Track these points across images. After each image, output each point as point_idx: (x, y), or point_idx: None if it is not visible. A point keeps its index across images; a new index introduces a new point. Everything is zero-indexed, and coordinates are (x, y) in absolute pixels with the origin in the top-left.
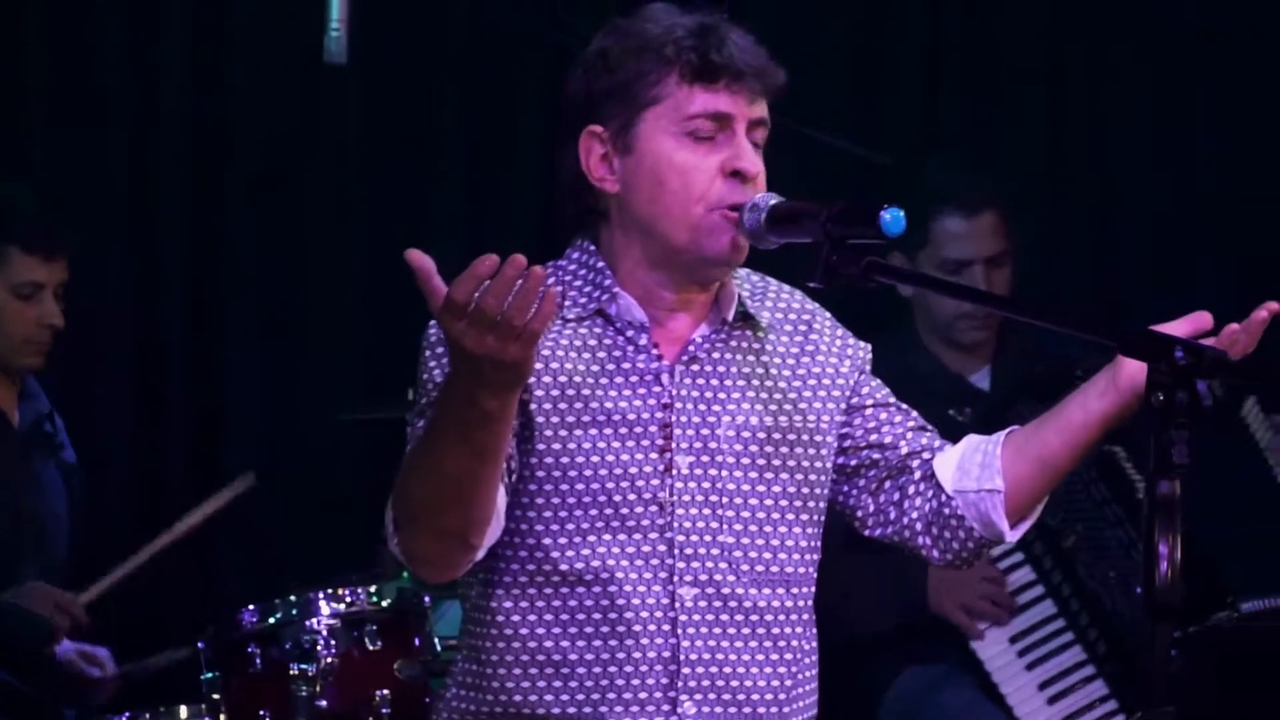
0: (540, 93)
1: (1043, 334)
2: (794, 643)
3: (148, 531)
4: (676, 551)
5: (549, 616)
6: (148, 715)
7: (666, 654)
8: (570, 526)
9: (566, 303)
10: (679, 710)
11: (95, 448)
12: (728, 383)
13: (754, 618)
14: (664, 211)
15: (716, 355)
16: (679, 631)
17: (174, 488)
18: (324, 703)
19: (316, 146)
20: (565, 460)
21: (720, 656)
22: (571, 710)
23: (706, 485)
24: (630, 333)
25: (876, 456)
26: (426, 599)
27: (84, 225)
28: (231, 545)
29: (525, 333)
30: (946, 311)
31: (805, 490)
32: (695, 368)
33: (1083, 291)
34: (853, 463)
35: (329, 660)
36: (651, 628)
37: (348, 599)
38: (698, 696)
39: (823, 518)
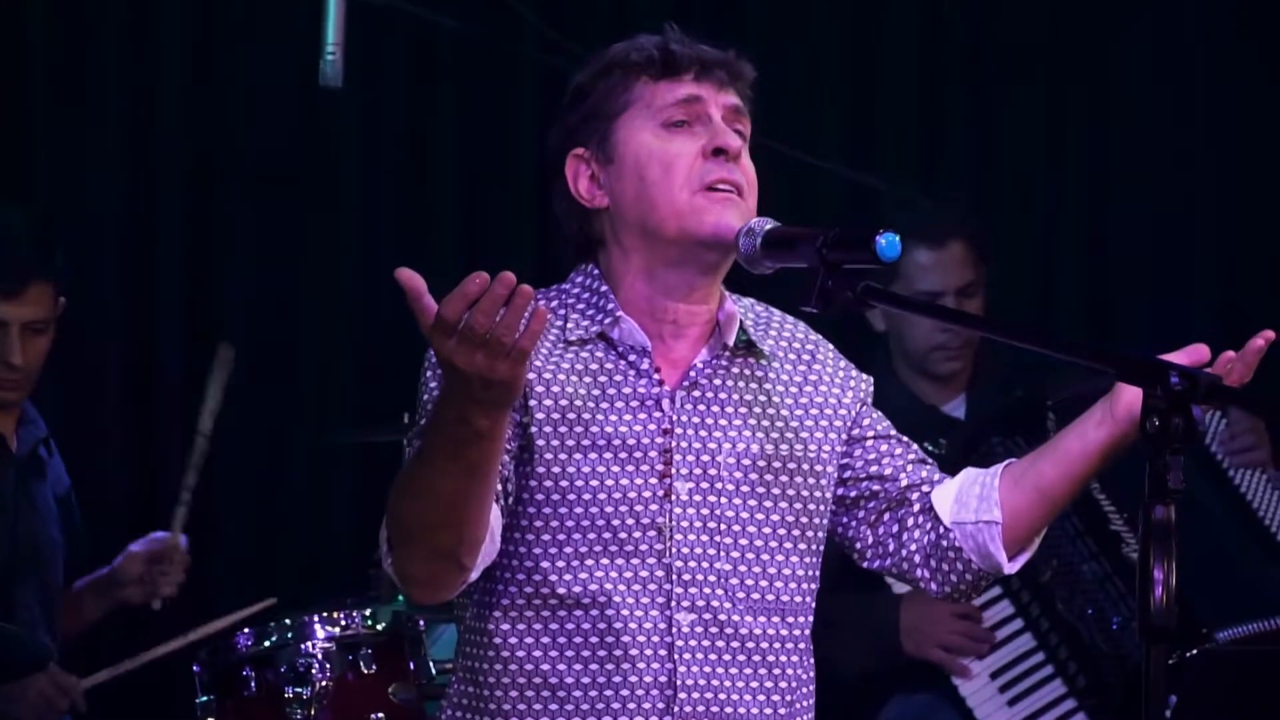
0: (534, 115)
1: (1015, 363)
2: (789, 671)
3: None
4: (675, 577)
5: (546, 639)
6: None
7: (663, 679)
8: (569, 550)
9: (569, 325)
10: None
11: (90, 473)
12: (729, 409)
13: (750, 645)
14: (651, 204)
15: (718, 381)
16: (675, 657)
17: (169, 513)
18: None
19: (312, 171)
20: (565, 483)
21: (716, 683)
22: None
23: (705, 512)
24: (632, 357)
25: (876, 488)
26: (421, 622)
27: (79, 252)
28: (227, 567)
29: (514, 351)
30: (921, 344)
31: (804, 519)
32: (696, 393)
33: (1076, 307)
34: (852, 494)
35: (324, 684)
36: (649, 652)
37: (343, 622)
38: None
39: (821, 547)
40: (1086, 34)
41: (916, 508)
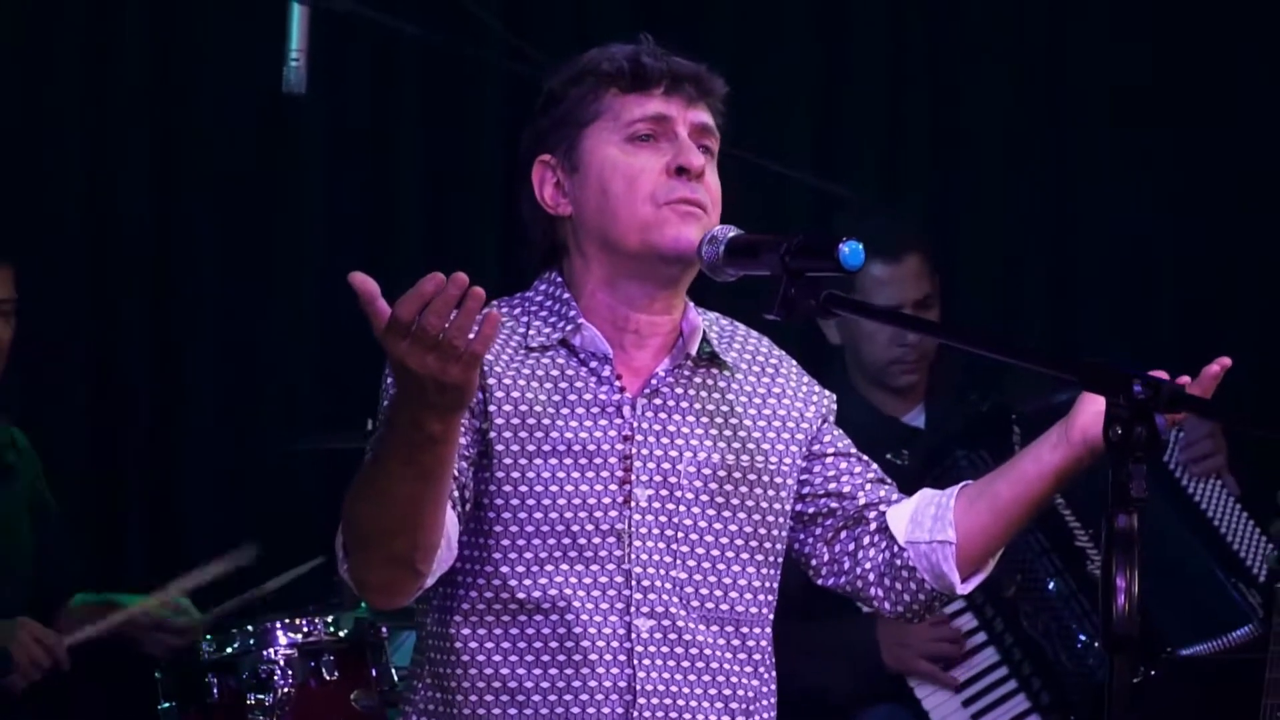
0: (497, 122)
1: (971, 371)
2: (744, 681)
3: (105, 566)
4: (634, 583)
5: (506, 644)
6: None
7: (622, 684)
8: (528, 555)
9: (531, 332)
10: None
11: (52, 478)
12: (690, 418)
13: (707, 652)
14: (613, 216)
15: (680, 390)
16: (635, 663)
17: (131, 519)
18: None
19: (275, 178)
20: (524, 489)
21: (675, 690)
22: None
23: (664, 519)
24: (594, 364)
25: (834, 505)
26: (384, 629)
27: (40, 256)
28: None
29: (466, 354)
30: (879, 357)
31: (762, 531)
32: (658, 401)
33: (1039, 314)
34: (810, 510)
35: (286, 690)
36: (608, 657)
37: (305, 629)
38: None
39: (780, 560)
40: (1048, 39)
41: (873, 526)
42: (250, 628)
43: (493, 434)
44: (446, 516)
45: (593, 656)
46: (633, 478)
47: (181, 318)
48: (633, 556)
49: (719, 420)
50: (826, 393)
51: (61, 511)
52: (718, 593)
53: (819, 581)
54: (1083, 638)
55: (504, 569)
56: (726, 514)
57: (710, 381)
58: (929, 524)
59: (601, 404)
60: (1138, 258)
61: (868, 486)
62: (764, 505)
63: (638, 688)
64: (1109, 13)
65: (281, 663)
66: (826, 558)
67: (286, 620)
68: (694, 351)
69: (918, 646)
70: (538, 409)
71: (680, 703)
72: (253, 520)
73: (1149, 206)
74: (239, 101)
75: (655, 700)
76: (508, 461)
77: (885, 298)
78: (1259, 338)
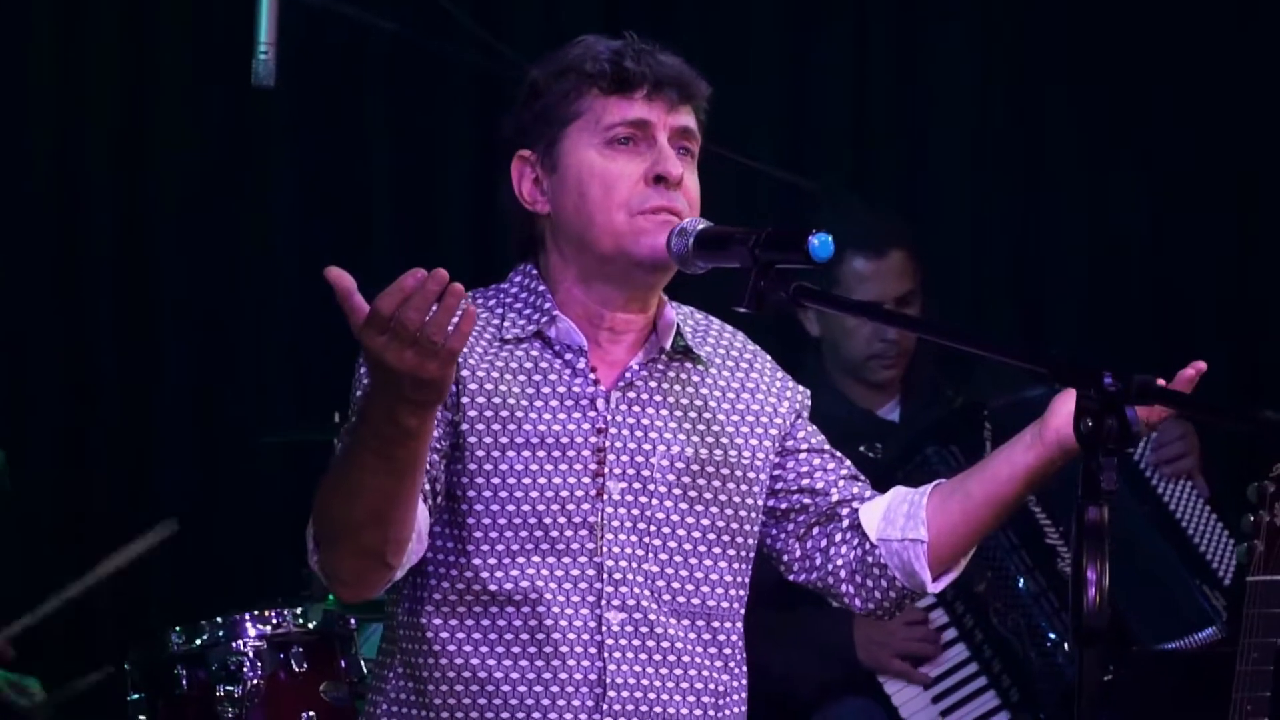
0: (470, 117)
1: (946, 367)
2: (715, 675)
3: (73, 558)
4: (605, 576)
5: (478, 635)
6: None
7: (593, 677)
8: (500, 547)
9: (506, 324)
10: None
11: (19, 471)
12: (663, 412)
13: (678, 646)
14: (589, 221)
15: (654, 384)
16: (605, 655)
17: (99, 511)
18: None
19: (245, 170)
20: (496, 481)
21: (645, 683)
22: None
23: (636, 512)
24: (568, 356)
25: (807, 501)
26: (353, 621)
27: (9, 250)
28: (158, 567)
29: (444, 350)
30: (859, 352)
31: (735, 525)
32: (631, 394)
33: (1006, 312)
34: (782, 506)
35: (255, 682)
36: (579, 650)
37: (274, 621)
38: None
39: (752, 554)
40: (1014, 36)
41: (845, 523)
42: (219, 620)
43: (465, 426)
44: (418, 509)
45: (563, 649)
46: (605, 471)
47: (151, 310)
48: (604, 550)
49: (692, 414)
50: (800, 388)
51: (31, 509)
52: (689, 587)
53: (790, 577)
54: (1052, 636)
55: (475, 561)
56: (699, 508)
57: (684, 376)
58: (901, 522)
59: (575, 397)
60: (1107, 257)
61: (840, 483)
62: (736, 500)
63: (608, 680)
64: (1071, 11)
65: (250, 654)
66: (798, 554)
67: (255, 612)
68: (668, 346)
69: (894, 645)
70: (511, 401)
71: (651, 696)
72: (222, 513)
73: (1117, 205)
74: (208, 94)
75: (625, 693)
76: (480, 454)
77: (868, 292)
78: (1228, 334)
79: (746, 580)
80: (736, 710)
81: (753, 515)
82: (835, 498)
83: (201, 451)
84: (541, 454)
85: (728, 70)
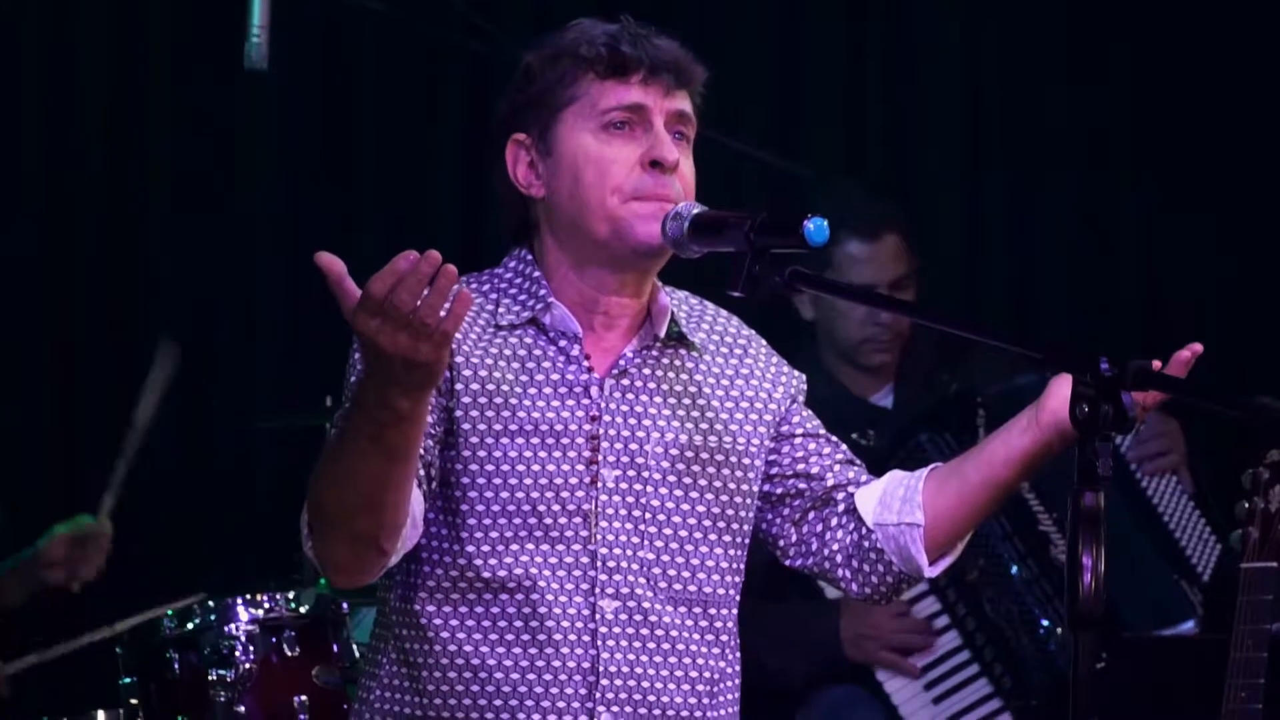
0: (461, 100)
1: (942, 354)
2: (710, 664)
3: None
4: (599, 564)
5: (471, 622)
6: None
7: (586, 664)
8: (494, 534)
9: (500, 310)
10: None
11: (7, 463)
12: (657, 399)
13: (674, 634)
14: (583, 205)
15: (648, 371)
16: (599, 643)
17: (91, 497)
18: (242, 708)
19: (236, 153)
20: (490, 468)
21: (639, 670)
22: (490, 716)
23: (630, 500)
24: (563, 343)
25: (802, 486)
26: (345, 606)
27: None
28: (150, 550)
29: (437, 333)
30: (853, 335)
31: (730, 512)
32: (625, 382)
33: (998, 301)
34: (778, 491)
35: (247, 666)
36: (572, 638)
37: (266, 605)
38: (615, 709)
39: (747, 540)
40: (1008, 20)
41: (841, 508)
42: (212, 604)
43: (459, 412)
44: (413, 495)
45: (557, 636)
46: (600, 458)
47: (138, 297)
48: (599, 537)
49: (686, 401)
50: (796, 373)
51: (19, 501)
52: (685, 573)
53: (786, 562)
54: (1045, 623)
55: (469, 548)
56: (694, 495)
57: (678, 362)
58: (897, 506)
59: (569, 384)
60: (1099, 246)
61: (836, 468)
62: (731, 486)
63: (601, 668)
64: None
65: (243, 638)
66: (794, 538)
67: (247, 596)
68: (661, 333)
69: (882, 638)
70: (504, 388)
71: (645, 684)
72: (215, 497)
73: (1110, 192)
74: (198, 79)
75: (619, 681)
76: (474, 440)
77: (861, 276)
78: (1217, 329)
79: (742, 566)
80: (730, 697)
81: (748, 501)
82: (831, 482)
83: (194, 436)
84: (535, 441)
85: (721, 55)
